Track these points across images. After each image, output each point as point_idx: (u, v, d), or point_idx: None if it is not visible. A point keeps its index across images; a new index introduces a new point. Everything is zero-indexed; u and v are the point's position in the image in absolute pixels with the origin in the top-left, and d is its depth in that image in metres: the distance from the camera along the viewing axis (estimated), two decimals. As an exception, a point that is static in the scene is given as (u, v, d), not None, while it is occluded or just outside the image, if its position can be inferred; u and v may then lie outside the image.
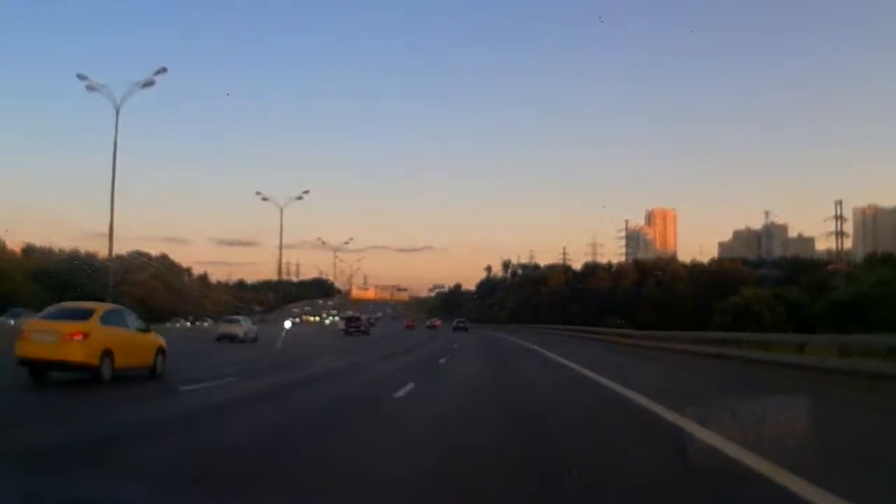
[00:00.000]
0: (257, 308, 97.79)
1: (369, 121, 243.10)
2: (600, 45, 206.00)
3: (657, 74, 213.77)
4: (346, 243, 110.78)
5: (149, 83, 32.82)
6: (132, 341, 13.73)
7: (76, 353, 12.17)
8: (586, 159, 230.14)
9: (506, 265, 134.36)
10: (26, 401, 11.06)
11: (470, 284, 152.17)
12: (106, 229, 33.49)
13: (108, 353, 12.61)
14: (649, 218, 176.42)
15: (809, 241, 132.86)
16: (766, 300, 60.89)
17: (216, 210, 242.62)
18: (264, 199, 59.94)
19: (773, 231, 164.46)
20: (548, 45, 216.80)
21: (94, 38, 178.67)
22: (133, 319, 14.40)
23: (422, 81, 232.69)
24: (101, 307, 13.95)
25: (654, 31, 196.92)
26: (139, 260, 75.97)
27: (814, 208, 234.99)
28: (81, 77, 32.75)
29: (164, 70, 33.07)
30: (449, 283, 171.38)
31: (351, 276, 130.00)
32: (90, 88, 32.76)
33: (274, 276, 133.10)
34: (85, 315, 12.94)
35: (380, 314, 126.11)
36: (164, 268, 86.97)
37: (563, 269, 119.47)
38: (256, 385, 13.84)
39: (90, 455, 6.36)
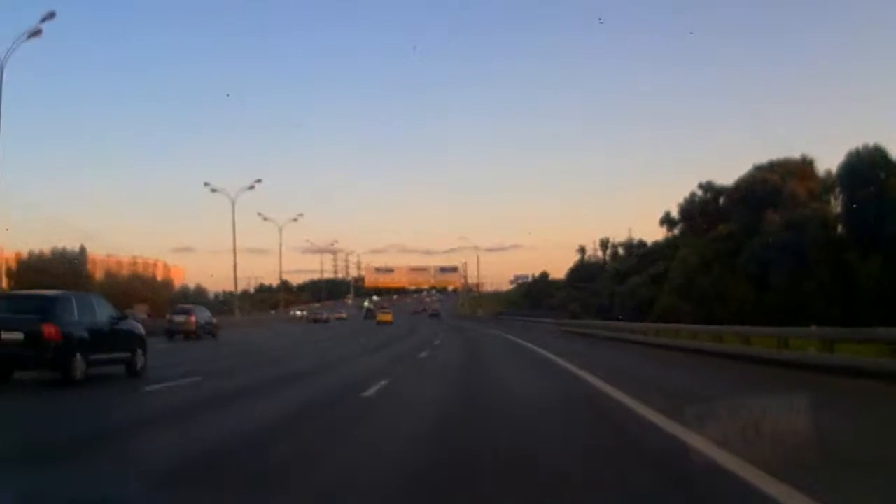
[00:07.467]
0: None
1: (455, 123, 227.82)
2: (688, 26, 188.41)
3: (748, 46, 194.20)
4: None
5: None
6: None
7: None
8: (680, 134, 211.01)
9: (604, 244, 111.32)
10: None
11: (559, 274, 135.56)
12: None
13: None
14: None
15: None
16: None
17: (305, 220, 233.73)
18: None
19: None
20: (635, 24, 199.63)
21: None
22: None
23: (503, 84, 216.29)
24: None
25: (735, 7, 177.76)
26: None
27: None
28: None
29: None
30: (534, 273, 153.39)
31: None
32: None
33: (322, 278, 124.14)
34: None
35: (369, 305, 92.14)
36: None
37: (808, 166, 46.12)
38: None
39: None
